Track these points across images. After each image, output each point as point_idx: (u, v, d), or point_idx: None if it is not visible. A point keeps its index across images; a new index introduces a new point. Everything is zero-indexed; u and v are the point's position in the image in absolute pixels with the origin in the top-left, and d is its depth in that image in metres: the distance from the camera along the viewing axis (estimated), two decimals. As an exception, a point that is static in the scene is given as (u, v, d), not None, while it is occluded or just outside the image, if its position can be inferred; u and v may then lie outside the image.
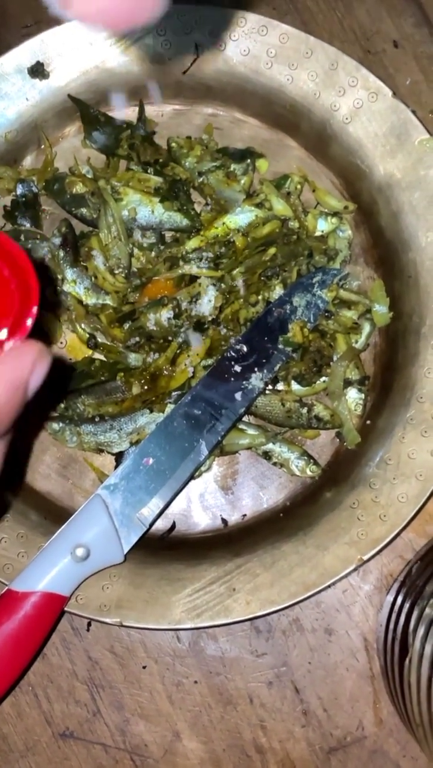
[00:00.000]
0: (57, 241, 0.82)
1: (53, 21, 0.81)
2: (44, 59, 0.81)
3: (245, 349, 0.79)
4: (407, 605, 0.70)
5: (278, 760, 0.80)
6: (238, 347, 0.79)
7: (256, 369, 0.79)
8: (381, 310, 0.82)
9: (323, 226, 0.83)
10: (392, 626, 0.72)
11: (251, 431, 0.81)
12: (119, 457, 0.81)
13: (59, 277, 0.82)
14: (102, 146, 0.84)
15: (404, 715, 0.69)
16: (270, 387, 0.82)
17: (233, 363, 0.78)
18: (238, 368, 0.78)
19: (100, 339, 0.81)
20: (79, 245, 0.83)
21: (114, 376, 0.81)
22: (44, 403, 0.82)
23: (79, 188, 0.82)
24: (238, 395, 0.78)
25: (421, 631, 0.64)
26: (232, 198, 0.82)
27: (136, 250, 0.82)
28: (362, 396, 0.82)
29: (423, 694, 0.61)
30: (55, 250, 0.82)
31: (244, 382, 0.78)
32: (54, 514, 0.80)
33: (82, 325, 0.81)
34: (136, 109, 0.85)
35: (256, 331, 0.79)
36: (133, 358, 0.80)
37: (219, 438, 0.78)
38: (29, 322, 0.44)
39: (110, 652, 0.81)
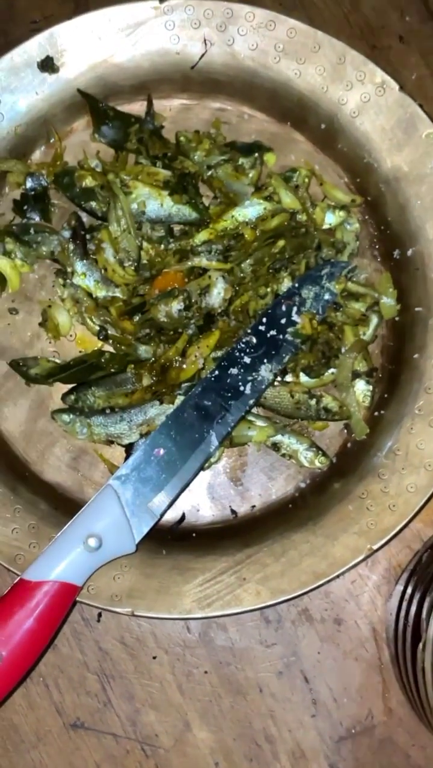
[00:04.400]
0: (67, 234, 0.82)
1: (62, 16, 0.82)
2: (53, 54, 0.81)
3: (254, 340, 0.79)
4: (418, 593, 0.71)
5: (287, 749, 0.81)
6: (247, 339, 0.79)
7: (265, 360, 0.79)
8: (389, 302, 0.83)
9: (330, 219, 0.84)
10: (403, 614, 0.73)
11: (259, 423, 0.82)
12: (129, 448, 0.82)
13: (69, 270, 0.82)
14: (111, 140, 0.85)
15: (417, 702, 0.69)
16: (279, 378, 0.82)
17: (242, 354, 0.79)
18: (247, 360, 0.79)
19: (111, 331, 0.82)
20: (88, 238, 0.83)
21: (124, 368, 0.82)
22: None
23: (88, 182, 0.83)
24: (247, 387, 0.78)
25: (433, 617, 0.65)
26: (240, 191, 0.82)
27: (145, 243, 0.82)
28: (370, 387, 0.83)
29: (438, 677, 0.61)
30: (64, 243, 0.82)
31: (253, 374, 0.79)
32: (64, 506, 0.80)
33: (93, 318, 0.82)
34: (145, 103, 0.85)
35: (265, 323, 0.79)
36: (144, 350, 0.81)
37: (229, 429, 0.78)
38: None
39: (121, 643, 0.81)
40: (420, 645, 0.65)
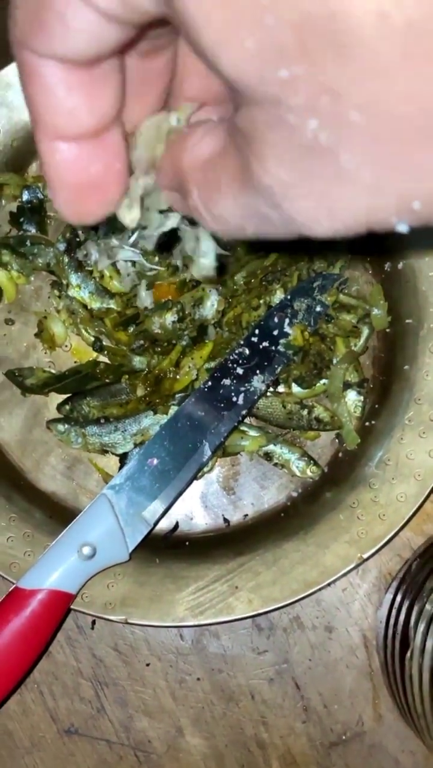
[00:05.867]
0: (62, 246, 0.83)
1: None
2: (50, 68, 0.82)
3: (246, 352, 0.80)
4: (407, 602, 0.72)
5: (279, 755, 0.82)
6: (240, 350, 0.80)
7: (257, 371, 0.80)
8: (380, 314, 0.84)
9: (322, 232, 0.85)
10: (392, 623, 0.74)
11: (252, 433, 0.83)
12: (124, 458, 0.83)
13: (64, 282, 0.83)
14: (106, 153, 0.86)
15: (404, 708, 0.71)
16: (271, 389, 0.84)
17: (235, 366, 0.80)
18: (240, 371, 0.80)
19: (105, 342, 0.83)
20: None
21: (119, 378, 0.83)
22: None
23: (83, 194, 0.84)
24: (240, 397, 0.80)
25: (421, 626, 0.66)
26: (234, 204, 0.83)
27: (140, 255, 0.83)
28: (361, 398, 0.84)
29: (425, 685, 0.62)
30: (60, 255, 0.83)
31: (246, 385, 0.80)
32: (59, 514, 0.81)
33: (87, 329, 0.83)
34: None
35: (258, 335, 0.81)
36: (138, 361, 0.82)
37: (222, 439, 0.79)
38: None
39: (114, 650, 0.82)
40: (408, 653, 0.66)
